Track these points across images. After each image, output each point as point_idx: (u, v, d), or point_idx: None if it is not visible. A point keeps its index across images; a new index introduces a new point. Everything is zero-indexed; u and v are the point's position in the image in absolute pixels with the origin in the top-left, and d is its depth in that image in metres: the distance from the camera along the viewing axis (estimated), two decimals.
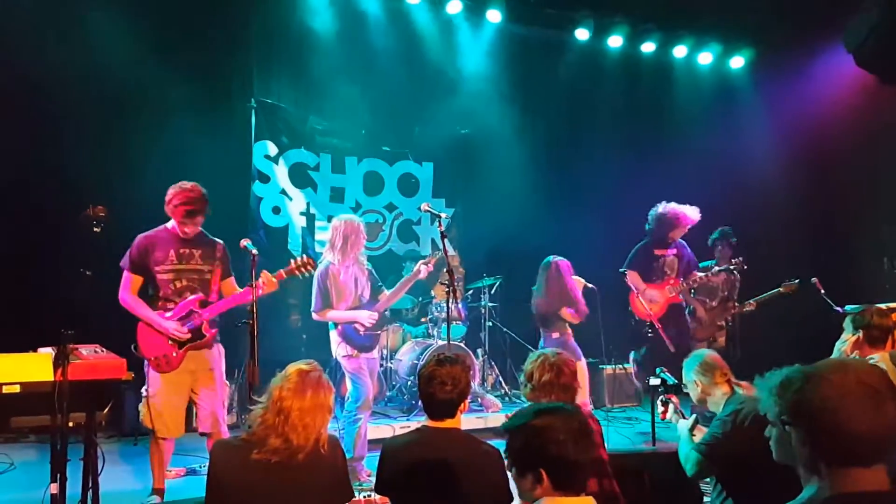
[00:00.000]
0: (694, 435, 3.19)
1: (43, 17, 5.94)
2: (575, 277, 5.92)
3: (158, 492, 4.19)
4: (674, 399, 3.50)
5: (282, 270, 4.28)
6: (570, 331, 5.90)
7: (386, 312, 5.02)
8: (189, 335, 4.09)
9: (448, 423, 2.71)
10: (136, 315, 4.11)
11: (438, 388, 2.66)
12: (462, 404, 2.73)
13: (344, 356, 4.80)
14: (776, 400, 1.63)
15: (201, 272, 4.19)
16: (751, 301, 6.32)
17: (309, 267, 4.34)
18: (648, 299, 6.12)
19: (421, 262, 4.89)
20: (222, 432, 4.19)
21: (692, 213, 6.31)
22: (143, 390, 4.15)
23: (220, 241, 4.35)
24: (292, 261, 4.35)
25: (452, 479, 2.55)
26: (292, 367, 2.56)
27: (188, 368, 4.13)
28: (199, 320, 4.09)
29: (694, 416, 3.32)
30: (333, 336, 4.88)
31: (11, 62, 5.74)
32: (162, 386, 4.07)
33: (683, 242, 6.46)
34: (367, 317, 4.78)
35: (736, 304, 6.40)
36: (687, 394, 3.41)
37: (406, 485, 2.63)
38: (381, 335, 4.99)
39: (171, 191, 4.12)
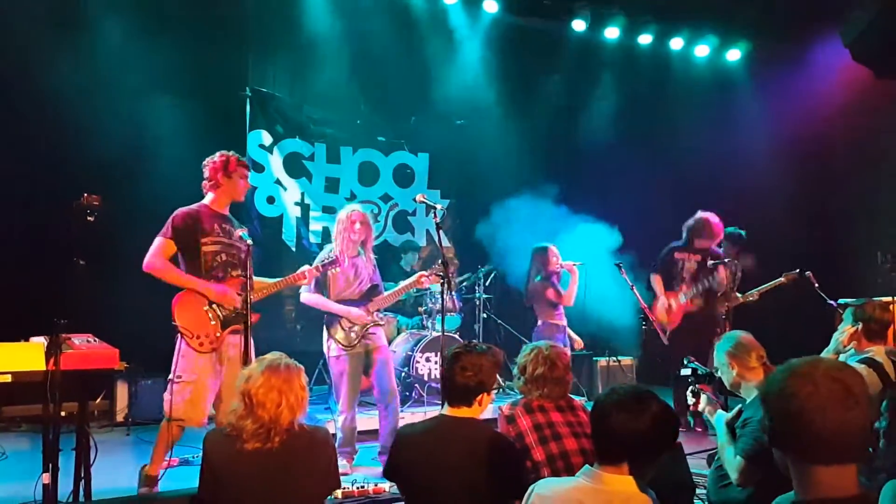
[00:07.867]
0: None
1: (36, 3, 5.88)
2: (562, 263, 5.99)
3: (152, 479, 3.98)
4: (706, 389, 3.32)
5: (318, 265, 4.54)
6: (554, 315, 5.99)
7: (377, 314, 4.93)
8: (237, 305, 3.96)
9: (465, 412, 2.72)
10: (168, 280, 3.96)
11: (458, 372, 2.68)
12: (480, 395, 2.71)
13: (333, 357, 4.81)
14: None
15: (238, 249, 4.14)
16: (753, 292, 6.27)
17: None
18: (662, 306, 6.14)
19: (422, 273, 4.95)
20: None
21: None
22: (172, 376, 3.90)
23: (245, 227, 4.27)
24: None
25: (463, 469, 2.56)
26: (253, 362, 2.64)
27: (227, 354, 4.01)
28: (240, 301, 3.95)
29: (738, 406, 3.07)
30: (325, 334, 4.87)
31: (4, 50, 5.70)
32: (202, 368, 3.92)
33: (718, 252, 6.24)
34: (357, 315, 4.78)
35: (737, 294, 6.33)
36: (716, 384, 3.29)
37: (417, 472, 2.64)
38: (367, 334, 4.84)
39: (216, 159, 4.17)
